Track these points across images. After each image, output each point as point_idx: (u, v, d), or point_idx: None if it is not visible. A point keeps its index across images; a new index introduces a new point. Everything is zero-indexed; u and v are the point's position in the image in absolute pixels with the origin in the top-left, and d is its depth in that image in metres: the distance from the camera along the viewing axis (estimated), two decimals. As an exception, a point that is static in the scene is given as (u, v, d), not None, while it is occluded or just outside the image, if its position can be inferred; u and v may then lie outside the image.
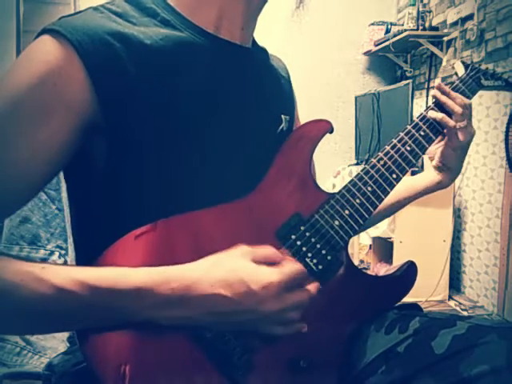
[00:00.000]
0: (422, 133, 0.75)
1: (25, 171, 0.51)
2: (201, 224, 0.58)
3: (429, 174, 0.86)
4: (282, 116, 0.72)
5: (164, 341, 0.52)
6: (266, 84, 0.71)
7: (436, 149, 0.83)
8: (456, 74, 0.81)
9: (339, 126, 3.28)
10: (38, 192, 0.55)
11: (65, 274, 0.49)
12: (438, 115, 0.77)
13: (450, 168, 0.84)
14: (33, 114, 0.51)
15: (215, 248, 0.55)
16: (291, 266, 0.55)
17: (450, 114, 0.78)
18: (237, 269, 0.52)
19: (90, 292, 0.48)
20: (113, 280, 0.49)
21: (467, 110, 0.79)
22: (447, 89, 0.79)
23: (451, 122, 0.77)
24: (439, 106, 0.79)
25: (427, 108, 0.79)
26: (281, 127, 0.71)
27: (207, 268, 0.52)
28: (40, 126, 0.51)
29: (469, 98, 0.82)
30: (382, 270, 2.63)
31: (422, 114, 0.77)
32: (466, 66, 0.85)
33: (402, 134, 0.74)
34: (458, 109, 0.78)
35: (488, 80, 0.85)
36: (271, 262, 0.55)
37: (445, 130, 0.78)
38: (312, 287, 0.57)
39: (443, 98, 0.78)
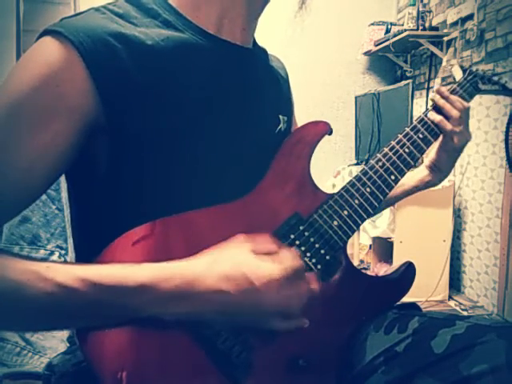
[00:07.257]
0: (421, 135, 0.75)
1: (27, 174, 0.51)
2: (199, 224, 0.58)
3: (418, 174, 0.87)
4: (280, 116, 0.72)
5: (163, 339, 0.52)
6: (266, 84, 0.71)
7: (429, 149, 0.84)
8: (454, 77, 0.82)
9: (339, 126, 3.28)
10: (41, 195, 0.55)
11: (68, 272, 0.49)
12: (437, 117, 0.77)
13: (441, 169, 0.85)
14: (35, 117, 0.51)
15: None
16: (291, 260, 0.55)
17: (447, 117, 0.78)
18: (239, 263, 0.52)
19: (93, 289, 0.48)
20: (116, 277, 0.49)
21: (464, 115, 0.79)
22: (446, 92, 0.80)
23: (449, 126, 0.77)
24: (438, 108, 0.79)
25: (426, 110, 0.79)
26: (279, 127, 0.71)
27: (209, 263, 0.52)
28: (42, 129, 0.51)
29: (466, 101, 0.82)
30: (382, 270, 2.63)
31: (420, 117, 0.77)
32: (464, 70, 0.86)
33: (400, 136, 0.75)
34: (455, 113, 0.78)
35: (485, 84, 0.86)
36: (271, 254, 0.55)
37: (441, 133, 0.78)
38: (311, 281, 0.57)
39: (441, 102, 0.79)
